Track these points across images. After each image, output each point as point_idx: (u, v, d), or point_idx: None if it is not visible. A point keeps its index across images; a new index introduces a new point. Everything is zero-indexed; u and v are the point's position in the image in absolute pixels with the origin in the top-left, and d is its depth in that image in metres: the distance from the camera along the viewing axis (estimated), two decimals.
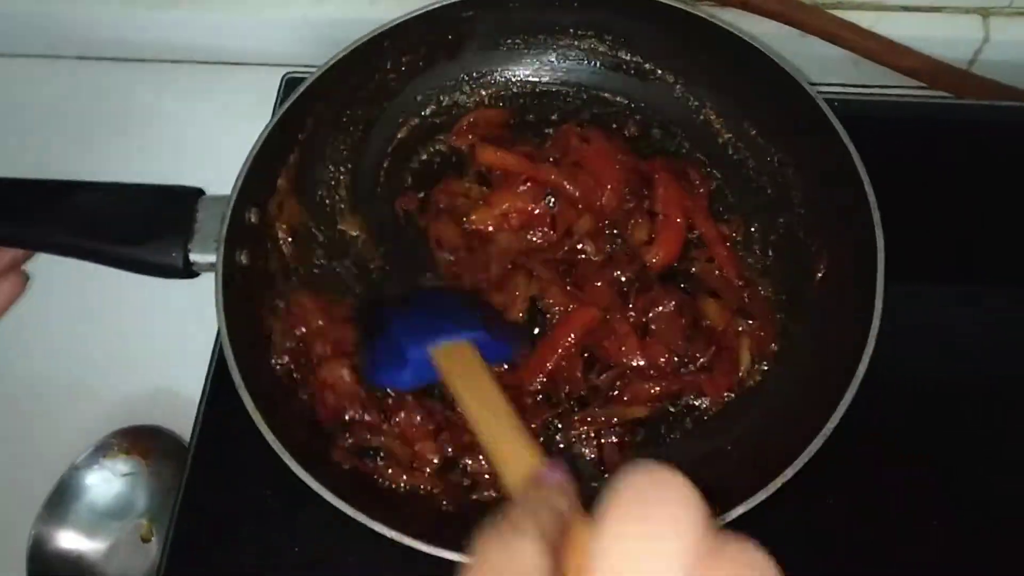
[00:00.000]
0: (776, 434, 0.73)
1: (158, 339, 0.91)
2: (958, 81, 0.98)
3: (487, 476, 0.74)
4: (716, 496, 0.66)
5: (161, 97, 1.05)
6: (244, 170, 0.77)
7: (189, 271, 0.77)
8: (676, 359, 0.78)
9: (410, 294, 0.81)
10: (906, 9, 0.98)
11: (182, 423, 0.83)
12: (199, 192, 0.79)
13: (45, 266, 0.90)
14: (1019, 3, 0.97)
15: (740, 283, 0.81)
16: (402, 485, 0.74)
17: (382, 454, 0.75)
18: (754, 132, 0.87)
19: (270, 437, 0.68)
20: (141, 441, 0.86)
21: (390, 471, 0.75)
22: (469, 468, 0.75)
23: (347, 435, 0.76)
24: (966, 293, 0.86)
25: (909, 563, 0.75)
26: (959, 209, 0.89)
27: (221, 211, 0.76)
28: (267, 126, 0.79)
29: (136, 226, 0.76)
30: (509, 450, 0.56)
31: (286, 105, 0.80)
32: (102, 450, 0.85)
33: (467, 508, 0.73)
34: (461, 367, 0.66)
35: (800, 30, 0.96)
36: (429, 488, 0.74)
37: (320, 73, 0.82)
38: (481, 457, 0.74)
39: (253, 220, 0.79)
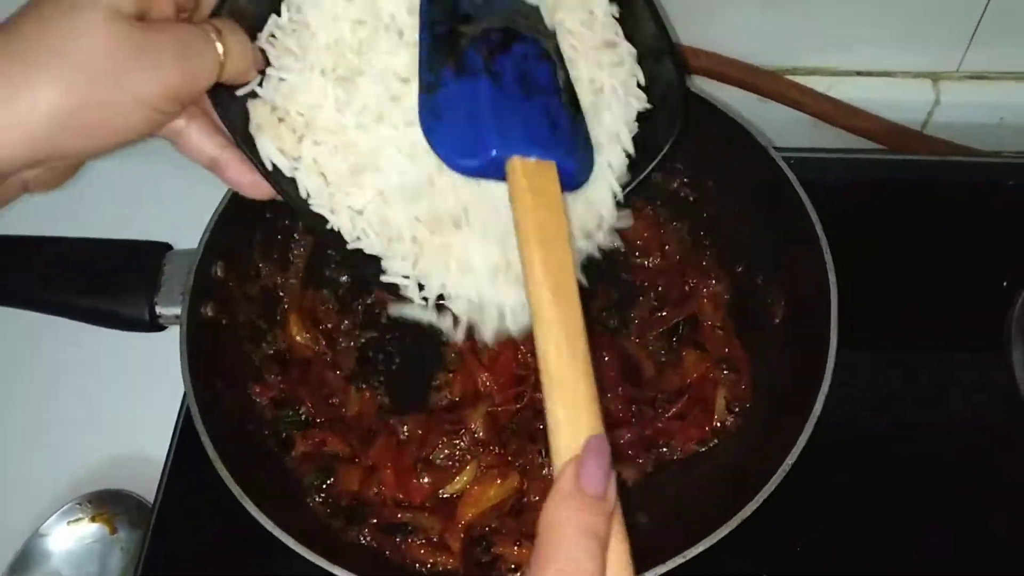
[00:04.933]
0: (720, 487, 0.73)
1: (124, 402, 0.90)
2: (912, 142, 1.01)
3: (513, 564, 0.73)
4: None
5: (130, 162, 1.03)
6: (211, 224, 0.79)
7: (155, 324, 0.79)
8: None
9: (514, 43, 0.60)
10: (860, 74, 1.02)
11: (150, 487, 0.82)
12: (166, 246, 0.81)
13: (8, 329, 0.93)
14: (967, 67, 1.00)
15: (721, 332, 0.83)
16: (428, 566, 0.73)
17: (411, 528, 0.75)
18: (711, 183, 0.89)
19: (246, 502, 0.68)
20: (107, 506, 0.85)
21: (420, 551, 0.74)
22: (494, 549, 0.74)
23: (373, 516, 0.75)
24: (917, 353, 0.88)
25: None
26: (911, 264, 0.91)
27: (188, 264, 0.78)
28: None
29: (102, 279, 0.78)
30: (567, 388, 0.49)
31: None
32: (67, 515, 0.84)
33: None
34: (543, 208, 0.55)
35: (759, 95, 1.00)
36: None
37: None
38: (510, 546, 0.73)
39: (220, 274, 0.81)
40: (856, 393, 0.78)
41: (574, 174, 0.59)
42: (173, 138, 0.57)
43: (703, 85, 0.95)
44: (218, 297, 0.80)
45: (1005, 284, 0.88)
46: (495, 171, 0.57)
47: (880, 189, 0.97)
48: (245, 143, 0.58)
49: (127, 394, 0.91)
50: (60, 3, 0.48)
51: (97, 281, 0.78)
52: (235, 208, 0.81)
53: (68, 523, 0.84)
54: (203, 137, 0.57)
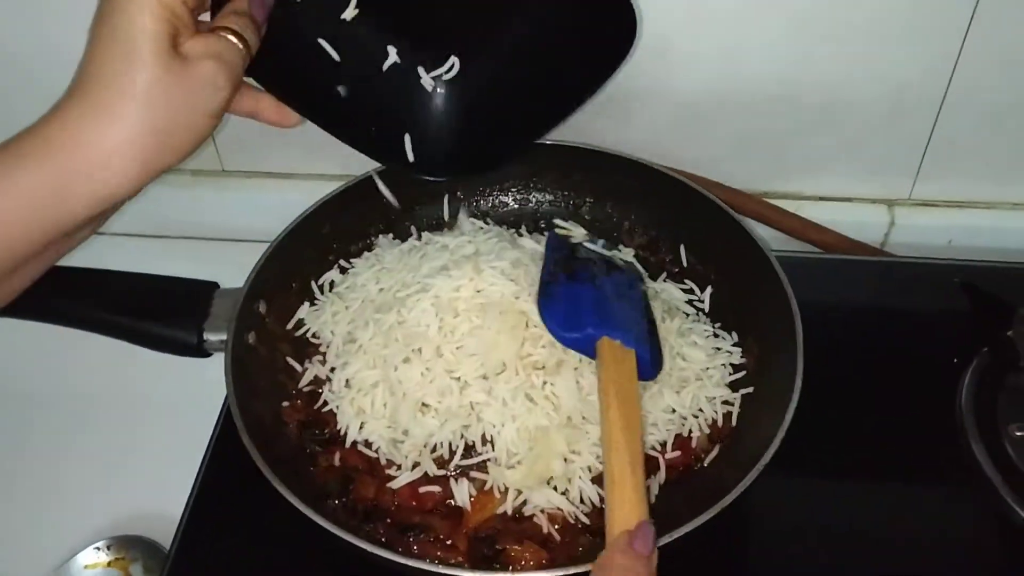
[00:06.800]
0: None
1: (148, 451, 0.96)
2: (873, 258, 1.12)
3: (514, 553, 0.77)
4: None
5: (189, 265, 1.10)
6: (257, 266, 0.89)
7: (202, 349, 0.87)
8: None
9: (613, 273, 0.89)
10: (822, 199, 1.14)
11: (166, 534, 0.86)
12: (215, 285, 0.91)
13: (40, 378, 1.02)
14: (917, 196, 1.13)
15: None
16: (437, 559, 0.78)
17: (422, 528, 0.79)
18: (693, 258, 1.01)
19: (282, 487, 0.74)
20: (125, 551, 0.88)
21: (429, 548, 0.78)
22: (498, 545, 0.78)
23: (387, 518, 0.81)
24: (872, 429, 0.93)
25: None
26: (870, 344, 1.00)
27: (234, 299, 0.87)
28: (281, 232, 0.92)
29: (159, 307, 0.87)
30: (627, 488, 0.65)
31: (302, 216, 0.94)
32: (85, 559, 0.87)
33: None
34: (619, 373, 0.75)
35: (736, 212, 1.11)
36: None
37: (339, 191, 0.96)
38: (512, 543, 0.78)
39: (261, 310, 0.90)
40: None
41: (647, 363, 0.79)
42: None
43: None
44: (259, 329, 0.89)
45: (956, 360, 0.95)
46: (587, 346, 0.79)
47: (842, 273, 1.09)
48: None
49: (149, 444, 0.97)
50: (115, 53, 0.60)
51: (154, 309, 0.87)
52: (275, 260, 0.91)
53: (85, 567, 0.87)
54: (240, 96, 0.72)
